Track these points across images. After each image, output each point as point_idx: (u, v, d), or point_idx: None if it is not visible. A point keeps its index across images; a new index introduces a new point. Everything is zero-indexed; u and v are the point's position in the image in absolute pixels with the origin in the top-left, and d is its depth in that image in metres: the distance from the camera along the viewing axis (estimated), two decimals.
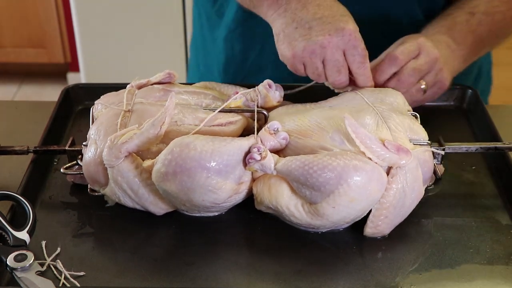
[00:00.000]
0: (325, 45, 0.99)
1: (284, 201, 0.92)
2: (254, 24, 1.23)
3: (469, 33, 1.15)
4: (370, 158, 0.89)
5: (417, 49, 1.08)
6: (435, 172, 1.01)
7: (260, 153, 0.91)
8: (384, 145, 0.90)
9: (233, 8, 1.30)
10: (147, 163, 0.94)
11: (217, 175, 0.90)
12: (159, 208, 0.96)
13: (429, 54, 1.08)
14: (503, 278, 0.87)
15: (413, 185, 0.91)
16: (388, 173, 0.90)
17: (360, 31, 1.02)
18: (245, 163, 0.91)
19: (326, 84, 1.06)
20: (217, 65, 1.39)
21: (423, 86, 1.08)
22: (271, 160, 0.91)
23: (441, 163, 1.02)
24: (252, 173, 0.94)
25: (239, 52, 1.34)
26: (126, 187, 0.94)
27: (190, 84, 1.13)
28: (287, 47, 1.01)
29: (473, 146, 1.02)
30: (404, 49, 1.07)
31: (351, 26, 1.00)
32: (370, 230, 0.93)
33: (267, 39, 1.16)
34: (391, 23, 1.24)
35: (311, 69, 1.01)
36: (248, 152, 0.91)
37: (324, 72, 1.02)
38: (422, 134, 0.97)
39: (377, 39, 1.11)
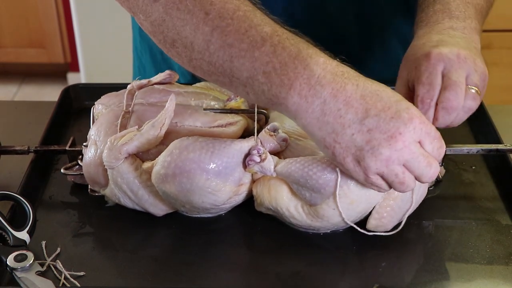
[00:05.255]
0: (400, 147, 0.79)
1: (284, 202, 0.92)
2: None
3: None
4: None
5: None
6: None
7: (260, 155, 0.90)
8: None
9: None
10: (146, 164, 0.94)
11: (216, 177, 0.90)
12: (158, 209, 0.96)
13: (479, 73, 0.93)
14: (503, 278, 0.87)
15: None
16: None
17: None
18: (245, 165, 0.91)
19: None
20: None
21: (473, 91, 0.92)
22: (271, 162, 0.91)
23: (442, 165, 1.02)
24: (252, 174, 0.94)
25: None
26: (126, 188, 0.94)
27: (191, 84, 1.13)
28: (352, 164, 0.82)
29: (474, 148, 1.00)
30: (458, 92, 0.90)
31: (414, 111, 0.80)
32: (374, 221, 0.92)
33: None
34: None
35: (390, 177, 0.82)
36: (248, 154, 0.91)
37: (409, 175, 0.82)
38: None
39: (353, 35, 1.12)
